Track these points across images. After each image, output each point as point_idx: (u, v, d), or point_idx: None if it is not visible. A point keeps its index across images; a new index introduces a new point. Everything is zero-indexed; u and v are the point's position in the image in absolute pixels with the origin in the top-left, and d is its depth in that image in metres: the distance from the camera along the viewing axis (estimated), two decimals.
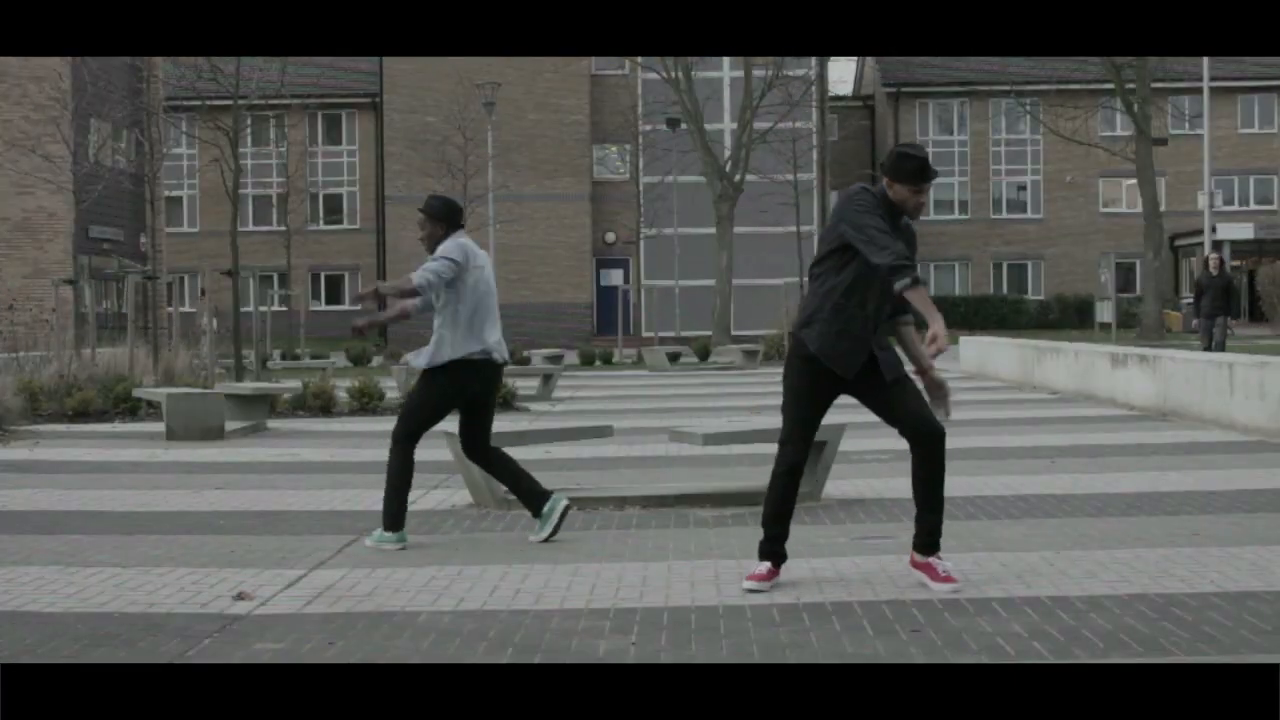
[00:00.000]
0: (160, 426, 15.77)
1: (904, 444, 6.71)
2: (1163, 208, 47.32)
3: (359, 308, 9.03)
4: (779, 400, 6.96)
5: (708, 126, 45.92)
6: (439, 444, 13.81)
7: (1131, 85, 43.57)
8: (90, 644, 5.86)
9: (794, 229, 49.23)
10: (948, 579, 6.67)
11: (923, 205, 6.62)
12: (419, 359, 8.24)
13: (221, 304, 39.78)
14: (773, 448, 6.95)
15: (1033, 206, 60.71)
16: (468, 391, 8.22)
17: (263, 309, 39.63)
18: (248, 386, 17.72)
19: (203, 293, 39.78)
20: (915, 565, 6.80)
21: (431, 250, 8.27)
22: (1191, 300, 29.22)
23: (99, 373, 19.47)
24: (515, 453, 13.22)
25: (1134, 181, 48.94)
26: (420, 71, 51.96)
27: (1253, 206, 59.71)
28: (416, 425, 8.18)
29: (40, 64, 38.93)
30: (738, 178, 43.87)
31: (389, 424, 17.15)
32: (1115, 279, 43.00)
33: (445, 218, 8.28)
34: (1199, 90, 35.19)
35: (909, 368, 6.80)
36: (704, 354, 36.74)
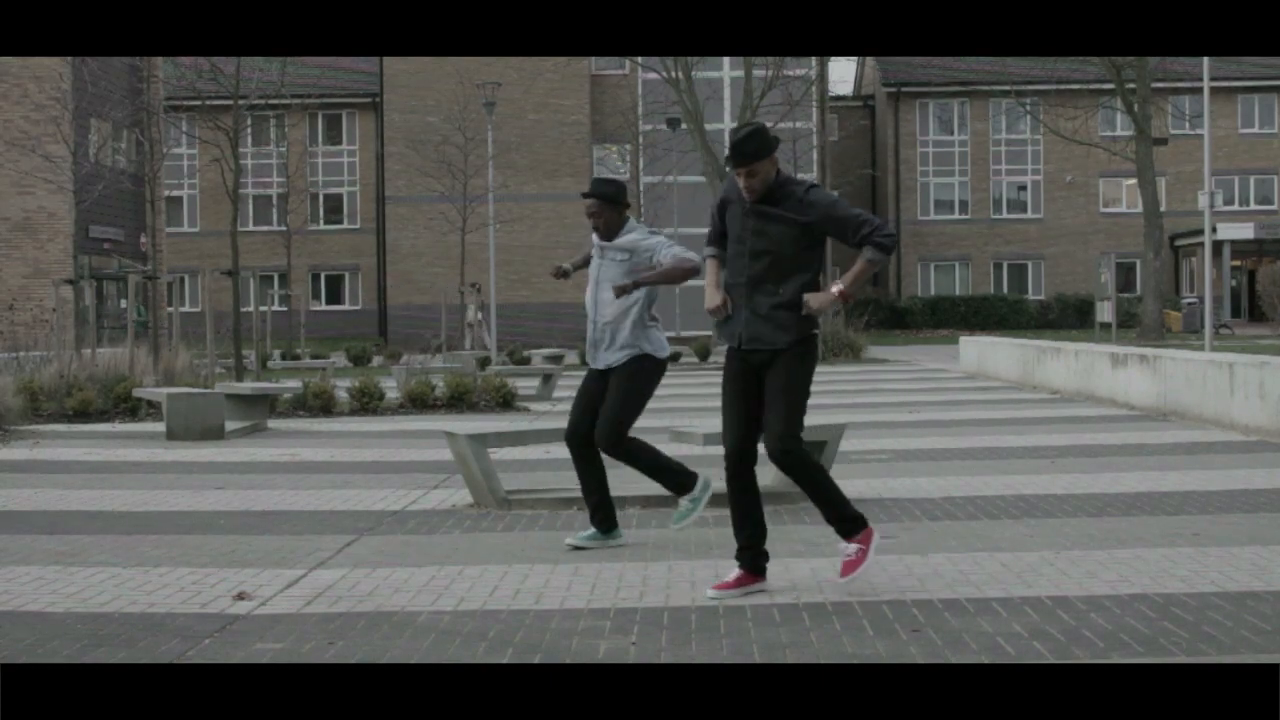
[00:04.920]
0: (160, 426, 15.77)
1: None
2: (1163, 208, 47.32)
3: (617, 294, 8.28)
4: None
5: (708, 126, 45.88)
6: (439, 444, 13.83)
7: (1131, 85, 43.57)
8: (90, 644, 5.85)
9: None
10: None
11: (750, 186, 6.45)
12: (664, 350, 8.21)
13: (221, 304, 39.76)
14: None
15: (1033, 206, 60.73)
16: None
17: (263, 309, 39.67)
18: (248, 386, 17.72)
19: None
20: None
21: (611, 237, 7.88)
22: None
23: (99, 373, 19.47)
24: (515, 453, 13.22)
25: (1134, 181, 48.96)
26: (420, 71, 51.95)
27: (1253, 206, 59.74)
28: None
29: (40, 64, 38.96)
30: None
31: (389, 424, 17.27)
32: (1115, 279, 42.97)
33: (619, 200, 7.87)
34: (1199, 90, 35.20)
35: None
36: (704, 354, 36.73)
